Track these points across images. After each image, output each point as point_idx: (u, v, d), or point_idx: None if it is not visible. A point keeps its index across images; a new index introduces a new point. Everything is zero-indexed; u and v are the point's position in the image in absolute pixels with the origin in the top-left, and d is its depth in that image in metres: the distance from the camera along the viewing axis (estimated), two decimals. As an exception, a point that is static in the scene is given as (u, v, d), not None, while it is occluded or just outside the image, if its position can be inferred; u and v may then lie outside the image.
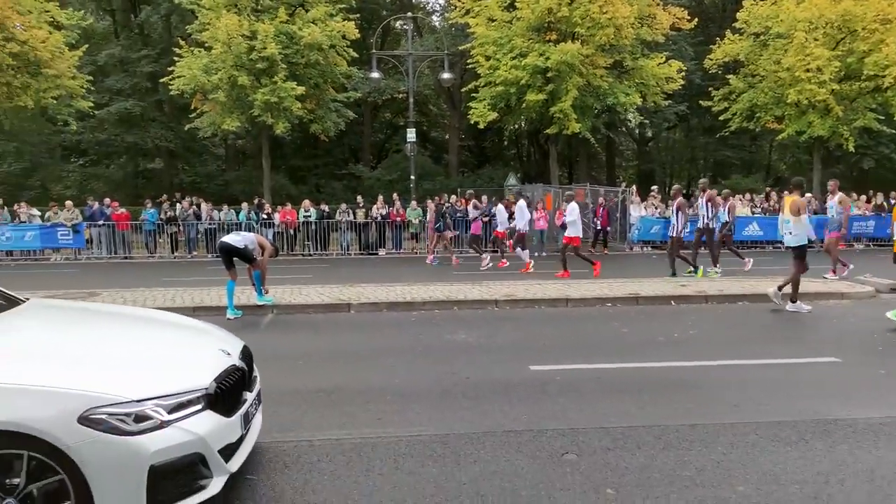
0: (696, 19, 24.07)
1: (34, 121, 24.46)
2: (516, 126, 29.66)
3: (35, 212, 19.83)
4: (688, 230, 13.75)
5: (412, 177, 22.77)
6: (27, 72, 20.75)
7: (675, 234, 12.95)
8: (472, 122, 23.90)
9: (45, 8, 21.65)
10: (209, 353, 3.66)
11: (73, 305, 4.73)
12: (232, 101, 21.67)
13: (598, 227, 19.24)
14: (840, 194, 12.95)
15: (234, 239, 9.12)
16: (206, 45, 21.63)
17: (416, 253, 19.39)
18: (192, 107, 23.50)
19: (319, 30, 21.59)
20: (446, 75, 23.22)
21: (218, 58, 20.96)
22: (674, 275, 12.50)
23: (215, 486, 3.14)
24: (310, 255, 19.63)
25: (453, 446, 4.31)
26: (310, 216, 19.94)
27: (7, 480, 2.73)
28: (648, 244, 19.86)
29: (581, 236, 13.56)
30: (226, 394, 3.33)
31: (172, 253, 19.80)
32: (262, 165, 24.42)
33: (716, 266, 12.83)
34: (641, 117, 34.10)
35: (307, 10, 22.51)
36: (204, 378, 3.26)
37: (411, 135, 22.74)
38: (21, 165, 31.24)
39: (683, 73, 23.18)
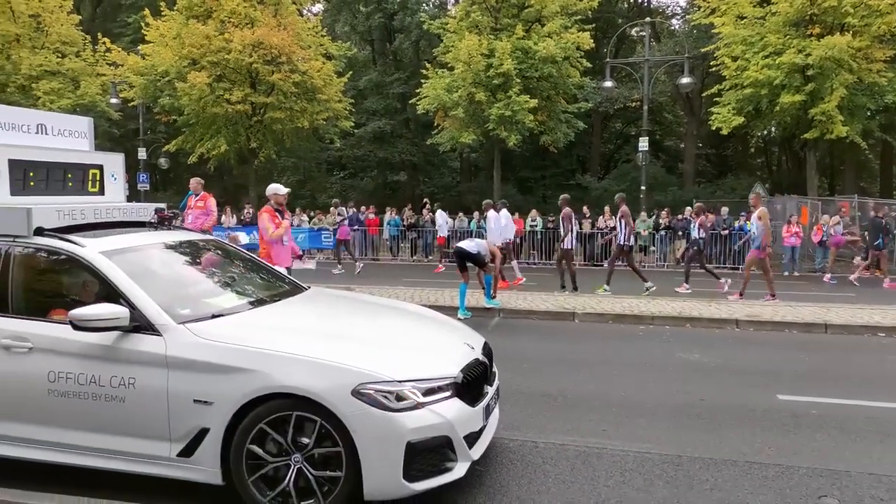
0: None
1: (308, 140, 28.60)
2: (765, 131, 26.85)
3: (305, 217, 23.20)
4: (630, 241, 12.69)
5: (642, 187, 21.94)
6: (305, 98, 24.40)
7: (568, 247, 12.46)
8: (713, 128, 22.25)
9: (321, 42, 25.32)
10: (456, 345, 4.01)
11: (344, 294, 5.51)
12: (469, 117, 23.03)
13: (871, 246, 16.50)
14: (761, 209, 11.44)
15: (468, 245, 9.74)
16: (449, 65, 23.32)
17: (644, 266, 18.62)
18: (435, 123, 25.48)
19: (554, 43, 21.96)
20: (686, 80, 21.94)
21: (459, 77, 22.46)
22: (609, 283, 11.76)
23: (460, 470, 3.43)
24: (534, 263, 19.99)
25: (687, 469, 4.12)
26: (536, 225, 20.35)
27: (300, 439, 3.30)
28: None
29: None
30: (470, 385, 3.63)
31: (412, 256, 21.65)
32: (493, 177, 25.54)
33: (607, 285, 11.83)
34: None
35: (543, 25, 23.04)
36: (452, 368, 3.59)
37: (644, 144, 21.93)
38: (296, 178, 36.77)
39: None
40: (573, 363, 6.97)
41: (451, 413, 3.39)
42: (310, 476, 3.28)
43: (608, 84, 22.53)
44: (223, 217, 20.14)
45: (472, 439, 3.56)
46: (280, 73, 22.80)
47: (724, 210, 19.21)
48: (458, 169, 39.01)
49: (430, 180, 37.62)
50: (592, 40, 23.09)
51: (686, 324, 9.05)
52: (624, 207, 12.23)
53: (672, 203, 23.99)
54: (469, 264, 9.64)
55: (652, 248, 19.20)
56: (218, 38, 22.49)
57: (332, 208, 19.64)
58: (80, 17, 28.55)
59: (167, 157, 27.63)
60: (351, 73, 27.63)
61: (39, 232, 3.89)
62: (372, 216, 22.30)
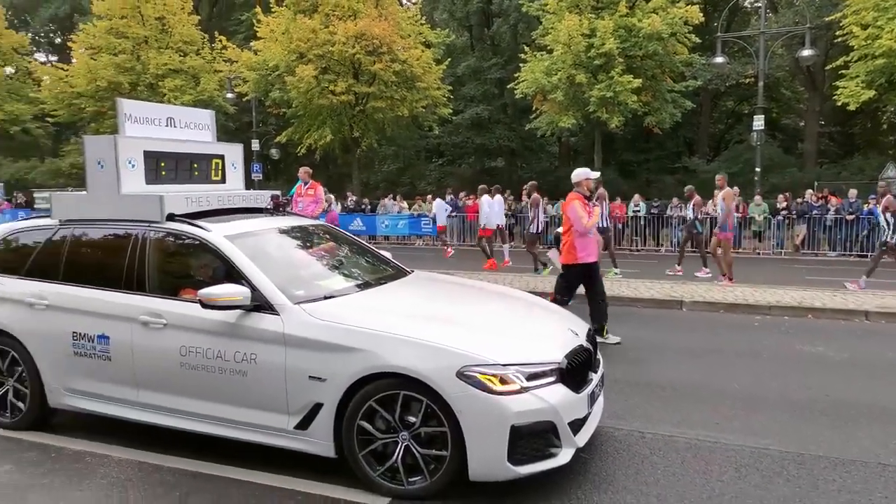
0: None
1: (407, 128, 29.11)
2: (900, 106, 24.34)
3: (404, 204, 23.69)
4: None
5: (757, 169, 20.55)
6: (405, 86, 24.83)
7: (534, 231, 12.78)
8: (838, 104, 20.45)
9: (420, 30, 25.63)
10: (560, 330, 3.97)
11: (446, 278, 5.60)
12: (569, 100, 22.51)
13: None
14: (726, 189, 11.31)
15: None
16: (548, 48, 22.87)
17: (759, 253, 17.51)
18: (533, 108, 25.14)
19: (660, 18, 20.96)
20: (807, 52, 20.21)
21: (558, 59, 21.98)
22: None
23: (564, 456, 3.41)
24: (637, 250, 19.33)
25: (810, 468, 3.86)
26: (639, 211, 19.63)
27: (407, 418, 3.40)
28: None
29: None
30: (574, 371, 3.58)
31: (511, 243, 21.58)
32: (593, 161, 24.88)
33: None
34: None
35: (648, 1, 22.04)
36: (556, 353, 3.56)
37: (759, 122, 20.49)
38: (397, 165, 37.60)
39: None
40: (681, 352, 6.69)
41: (555, 398, 3.37)
42: (417, 453, 3.38)
43: (719, 60, 21.20)
44: (327, 205, 20.96)
45: (576, 426, 3.52)
46: (381, 62, 23.31)
47: (853, 193, 17.63)
48: (557, 154, 38.31)
49: (527, 166, 37.20)
50: (702, 14, 21.84)
51: (808, 314, 8.43)
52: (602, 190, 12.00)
53: (790, 185, 22.34)
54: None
55: (767, 234, 17.98)
56: (323, 32, 23.30)
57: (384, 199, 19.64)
58: (199, 17, 30.52)
59: (278, 148, 29.05)
60: (449, 60, 27.77)
61: (171, 217, 4.23)
62: (470, 202, 22.42)
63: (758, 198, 18.61)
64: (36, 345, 4.30)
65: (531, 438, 3.30)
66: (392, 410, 3.39)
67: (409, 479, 3.41)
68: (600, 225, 12.23)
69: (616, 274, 11.94)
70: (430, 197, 22.93)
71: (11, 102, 32.22)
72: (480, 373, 3.27)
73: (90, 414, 4.28)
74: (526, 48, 24.34)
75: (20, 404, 4.44)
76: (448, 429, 3.29)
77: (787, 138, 34.93)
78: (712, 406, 4.99)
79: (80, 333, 4.15)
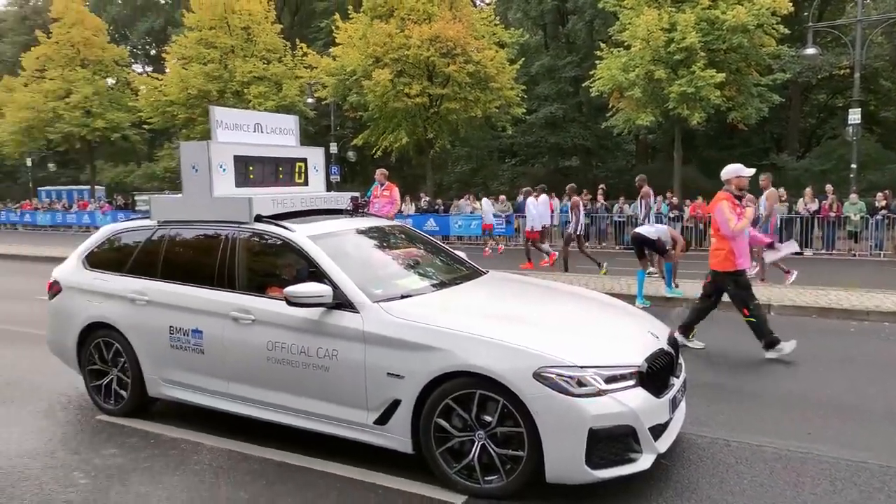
0: None
1: (480, 128, 29.18)
2: None
3: (477, 205, 23.72)
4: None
5: (853, 165, 19.28)
6: (478, 87, 24.89)
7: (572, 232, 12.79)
8: (947, 94, 18.89)
9: (493, 31, 25.63)
10: (639, 333, 3.89)
11: (522, 279, 5.58)
12: (647, 96, 21.90)
13: None
14: (770, 189, 11.29)
15: (647, 230, 9.32)
16: (626, 44, 22.33)
17: (854, 255, 16.44)
18: (609, 105, 24.62)
19: (745, 10, 20.04)
20: (911, 40, 18.82)
21: (636, 55, 21.42)
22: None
23: (644, 461, 3.34)
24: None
25: (914, 485, 3.60)
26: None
27: (483, 417, 3.43)
28: None
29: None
30: (655, 375, 3.50)
31: (585, 242, 21.21)
32: (672, 158, 24.08)
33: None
34: None
35: (732, -9, 21.13)
36: (635, 356, 3.49)
37: (855, 116, 19.21)
38: (470, 166, 37.74)
39: None
40: (764, 359, 6.39)
41: (634, 402, 3.31)
42: (493, 453, 3.40)
43: (810, 51, 20.02)
44: (403, 205, 21.31)
45: (657, 431, 3.44)
46: (455, 64, 23.48)
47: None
48: (634, 152, 37.33)
49: (603, 164, 36.47)
50: (791, 4, 20.71)
51: (911, 321, 7.86)
52: (646, 188, 11.91)
53: (890, 183, 20.83)
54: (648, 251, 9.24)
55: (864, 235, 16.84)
56: (399, 36, 23.72)
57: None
58: (282, 25, 31.76)
59: (355, 150, 29.81)
60: (523, 59, 27.62)
61: (258, 219, 4.43)
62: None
63: (854, 196, 17.45)
64: (137, 337, 4.62)
65: (610, 442, 3.26)
66: (468, 409, 3.43)
67: (486, 478, 3.43)
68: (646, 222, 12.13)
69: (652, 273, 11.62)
70: (502, 197, 22.86)
71: (112, 111, 34.61)
72: (557, 374, 3.25)
73: (184, 403, 4.55)
74: (602, 45, 23.87)
75: (123, 392, 4.78)
76: (524, 429, 3.29)
77: (887, 132, 32.53)
78: (803, 414, 4.74)
79: (176, 328, 4.42)
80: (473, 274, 4.95)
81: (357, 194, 5.48)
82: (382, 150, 26.43)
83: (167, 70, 31.76)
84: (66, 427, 4.68)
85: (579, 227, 12.96)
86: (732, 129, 26.64)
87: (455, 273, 4.87)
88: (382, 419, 3.68)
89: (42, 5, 47.19)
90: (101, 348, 4.82)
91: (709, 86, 20.23)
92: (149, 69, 43.53)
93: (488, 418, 3.40)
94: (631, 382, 3.36)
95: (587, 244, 17.29)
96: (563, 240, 13.65)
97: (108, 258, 5.03)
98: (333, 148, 28.84)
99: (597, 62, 23.43)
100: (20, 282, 12.04)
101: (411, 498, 3.52)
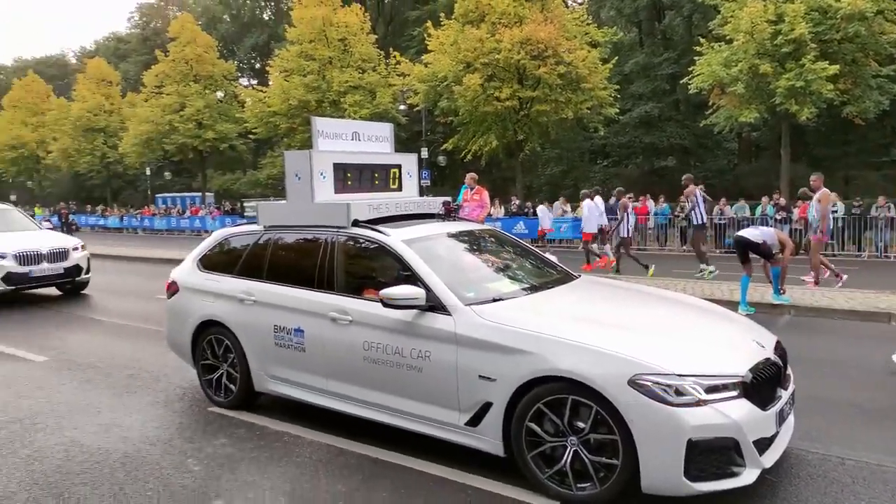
0: None
1: (572, 130, 28.76)
2: None
3: (568, 207, 23.37)
4: None
5: None
6: (569, 88, 24.55)
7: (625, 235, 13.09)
8: None
9: (585, 31, 25.20)
10: (743, 341, 3.71)
11: (616, 283, 5.46)
12: (751, 92, 20.78)
13: None
14: (823, 190, 10.49)
15: (751, 233, 8.84)
16: (727, 38, 21.30)
17: None
18: (709, 103, 23.56)
19: (865, -5, 18.59)
20: None
21: (739, 49, 20.39)
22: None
23: (748, 476, 3.19)
24: (833, 255, 17.25)
25: None
26: (836, 211, 17.50)
27: (575, 423, 3.39)
28: None
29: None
30: (760, 386, 3.33)
31: (682, 246, 20.37)
32: (779, 157, 22.68)
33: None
34: None
35: (848, -23, 19.65)
36: (739, 365, 3.34)
37: None
38: (560, 168, 37.27)
39: None
40: (890, 372, 5.89)
41: (737, 414, 3.16)
42: (586, 459, 3.35)
43: (940, 36, 18.29)
44: (492, 209, 21.33)
45: (762, 445, 3.26)
46: (546, 66, 23.29)
47: None
48: (736, 150, 35.50)
49: (702, 164, 34.90)
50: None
51: None
52: (691, 187, 12.09)
53: None
54: (753, 255, 8.76)
55: None
56: (490, 40, 23.84)
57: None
58: (376, 35, 32.74)
59: (445, 154, 30.22)
60: (616, 58, 26.97)
61: (356, 223, 4.61)
62: (638, 204, 21.54)
63: None
64: (245, 335, 4.93)
65: (711, 454, 3.13)
66: (560, 414, 3.40)
67: (578, 485, 3.39)
68: (696, 221, 12.52)
69: (712, 273, 11.85)
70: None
71: (221, 123, 37.01)
72: (654, 382, 3.16)
73: (287, 398, 4.80)
74: (702, 40, 22.89)
75: (232, 386, 5.10)
76: (619, 437, 3.22)
77: None
78: (931, 436, 4.34)
79: (280, 326, 4.68)
80: (565, 278, 4.90)
81: (449, 199, 5.58)
82: (472, 153, 26.62)
83: (270, 82, 33.54)
84: (181, 417, 5.06)
85: (629, 230, 13.26)
86: (847, 125, 24.73)
87: (546, 277, 4.85)
88: (474, 421, 3.72)
89: (161, 27, 51.21)
90: (212, 344, 5.18)
91: (820, 79, 18.93)
92: (254, 82, 46.16)
93: (581, 424, 3.36)
94: (734, 393, 3.22)
95: (685, 247, 16.69)
96: (617, 244, 13.70)
97: (219, 260, 5.39)
98: (424, 153, 29.33)
99: (696, 58, 22.51)
100: (141, 281, 13.10)
101: (502, 501, 3.54)
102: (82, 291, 11.54)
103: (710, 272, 11.98)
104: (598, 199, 14.46)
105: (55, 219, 30.34)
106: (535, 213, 23.28)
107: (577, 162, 37.76)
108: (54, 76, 60.20)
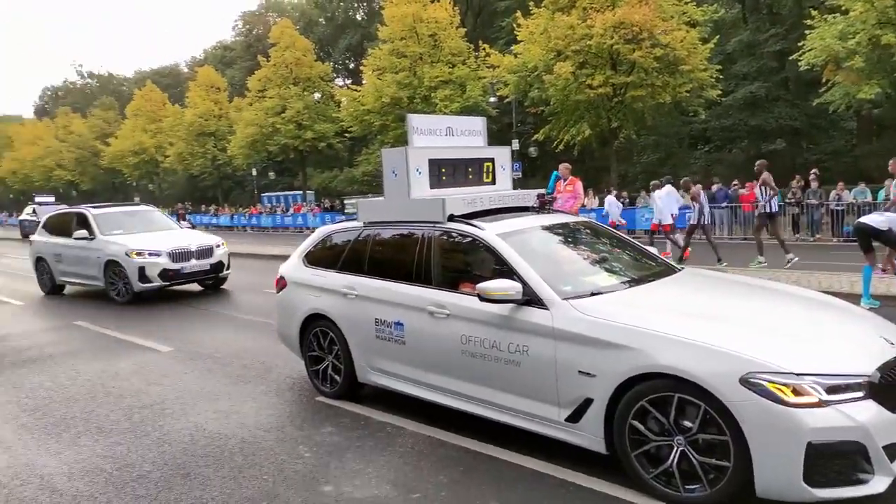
0: None
1: (669, 115, 27.54)
2: None
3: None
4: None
5: None
6: (667, 71, 23.51)
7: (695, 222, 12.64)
8: None
9: (683, 10, 24.00)
10: (869, 338, 3.45)
11: (723, 276, 5.22)
12: (871, 66, 19.04)
13: None
14: None
15: (875, 220, 8.12)
16: (842, 8, 19.62)
17: None
18: (823, 80, 21.83)
19: None
20: None
21: (857, 19, 18.72)
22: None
23: (878, 484, 2.96)
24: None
25: None
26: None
27: (682, 422, 3.27)
28: None
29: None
30: (890, 386, 3.08)
31: (794, 234, 19.06)
32: (907, 135, 20.66)
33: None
34: None
35: None
36: (865, 364, 3.11)
37: None
38: (657, 156, 35.85)
39: None
40: None
41: (864, 416, 2.94)
42: (694, 460, 3.23)
43: None
44: (586, 199, 20.87)
45: (894, 451, 3.01)
46: (641, 50, 22.44)
47: None
48: (855, 130, 32.70)
49: (815, 146, 32.46)
50: None
51: None
52: (766, 174, 11.77)
53: None
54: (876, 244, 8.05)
55: None
56: (581, 27, 23.26)
57: None
58: (465, 28, 32.81)
59: (536, 145, 29.88)
60: (717, 37, 25.53)
61: (451, 218, 4.67)
62: (744, 191, 20.36)
63: None
64: (348, 328, 5.12)
65: (833, 459, 2.93)
66: (666, 413, 3.30)
67: (687, 486, 3.27)
68: (766, 210, 11.97)
69: (761, 264, 11.52)
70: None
71: (319, 123, 38.49)
72: (769, 381, 2.99)
73: (388, 390, 4.95)
74: (813, 12, 21.21)
75: (336, 377, 5.33)
76: (730, 438, 3.08)
77: None
78: None
79: (381, 320, 4.83)
80: (667, 270, 4.73)
81: (544, 191, 5.52)
82: (564, 143, 26.14)
83: (364, 81, 34.48)
84: (291, 406, 5.34)
85: (705, 217, 12.89)
86: None
87: (647, 270, 4.70)
88: (574, 417, 3.68)
89: (262, 33, 53.89)
90: (318, 337, 5.42)
91: (956, 46, 17.05)
92: (348, 82, 47.63)
93: (688, 424, 3.24)
94: (859, 394, 2.99)
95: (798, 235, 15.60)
96: (688, 231, 13.34)
97: (323, 256, 5.63)
98: (515, 144, 29.13)
99: (806, 32, 20.88)
100: (251, 276, 13.90)
101: (605, 499, 3.48)
102: (222, 287, 12.12)
103: (759, 263, 11.63)
104: (666, 188, 14.26)
105: (174, 218, 32.76)
106: (631, 204, 22.58)
107: (676, 148, 36.15)
108: (169, 85, 64.92)
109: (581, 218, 6.19)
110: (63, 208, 15.39)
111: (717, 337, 3.27)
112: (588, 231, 5.29)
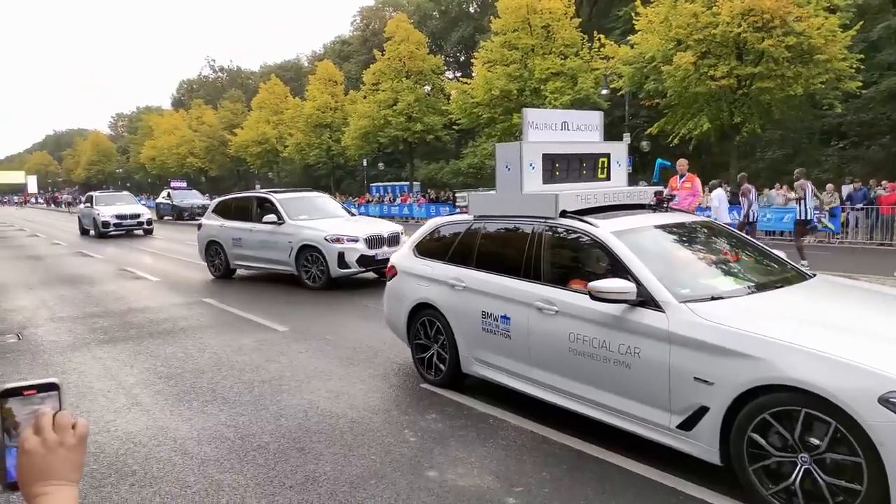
0: None
1: (799, 108, 25.48)
2: None
3: (791, 195, 20.82)
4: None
5: None
6: (799, 61, 21.76)
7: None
8: None
9: (823, -5, 22.08)
10: None
11: (860, 284, 4.80)
12: None
13: None
14: None
15: None
16: None
17: None
18: None
19: None
20: None
21: None
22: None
23: None
24: None
25: None
26: None
27: (808, 439, 3.06)
28: None
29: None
30: None
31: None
32: None
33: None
34: None
35: None
36: None
37: None
38: (783, 152, 33.28)
39: None
40: None
41: None
42: (820, 480, 3.01)
43: None
44: (704, 197, 19.83)
45: None
46: (771, 38, 20.92)
47: None
48: None
49: None
50: None
51: None
52: (802, 181, 11.83)
53: None
54: None
55: None
56: (705, 14, 22.05)
57: None
58: (580, 19, 32.06)
59: (648, 140, 28.72)
60: (861, 23, 23.27)
61: (563, 214, 4.61)
62: (884, 192, 18.55)
63: None
64: (454, 319, 5.20)
65: None
66: (791, 428, 3.09)
67: (810, 507, 3.06)
68: (801, 217, 12.19)
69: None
70: (829, 186, 19.73)
71: (429, 115, 39.13)
72: (910, 401, 2.73)
73: (492, 382, 4.99)
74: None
75: (441, 366, 5.43)
76: (864, 460, 2.84)
77: None
78: None
79: (487, 312, 4.86)
80: (797, 277, 4.42)
81: (662, 189, 5.33)
82: (679, 137, 24.93)
83: (474, 74, 34.60)
84: (397, 391, 5.51)
85: (753, 215, 12.96)
86: None
87: (775, 275, 4.42)
88: (687, 424, 3.54)
89: (379, 27, 55.47)
90: (425, 325, 5.55)
91: None
92: (458, 74, 48.04)
93: (815, 441, 3.02)
94: None
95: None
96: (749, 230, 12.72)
97: (433, 247, 5.75)
98: (627, 138, 28.14)
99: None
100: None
101: (718, 512, 3.33)
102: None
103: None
104: (717, 191, 13.66)
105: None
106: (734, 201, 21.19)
107: (805, 144, 33.41)
108: (291, 79, 68.40)
109: (700, 217, 5.92)
110: (195, 193, 16.46)
111: (854, 351, 3.02)
112: (707, 231, 5.05)
